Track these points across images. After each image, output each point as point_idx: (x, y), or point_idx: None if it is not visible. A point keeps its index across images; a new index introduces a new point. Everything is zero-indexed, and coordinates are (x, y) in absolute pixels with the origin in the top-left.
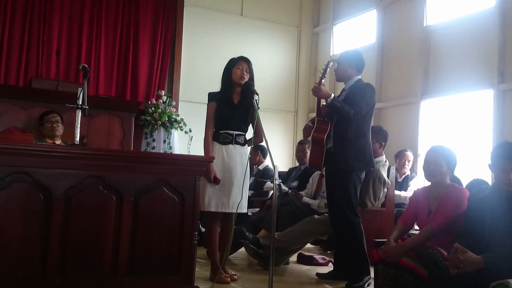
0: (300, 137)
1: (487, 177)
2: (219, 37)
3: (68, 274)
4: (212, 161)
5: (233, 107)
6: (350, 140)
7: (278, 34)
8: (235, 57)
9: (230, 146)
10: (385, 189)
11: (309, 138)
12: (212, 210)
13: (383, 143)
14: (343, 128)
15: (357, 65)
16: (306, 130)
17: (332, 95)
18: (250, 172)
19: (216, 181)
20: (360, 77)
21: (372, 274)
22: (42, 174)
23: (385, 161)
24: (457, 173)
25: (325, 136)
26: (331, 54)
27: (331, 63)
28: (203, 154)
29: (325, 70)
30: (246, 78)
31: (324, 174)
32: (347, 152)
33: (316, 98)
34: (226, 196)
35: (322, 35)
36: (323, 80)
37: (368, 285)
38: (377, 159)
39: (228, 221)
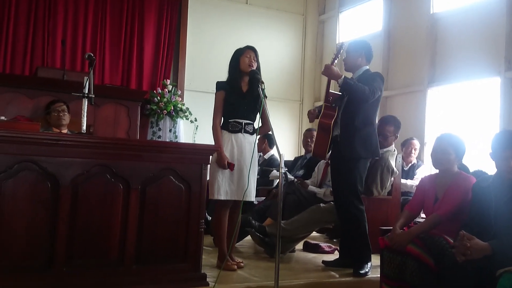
0: (305, 126)
1: (491, 165)
2: (224, 26)
3: (76, 263)
4: (219, 149)
5: (241, 96)
6: (358, 128)
7: (283, 22)
8: (242, 47)
9: (239, 134)
10: (392, 178)
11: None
12: (222, 198)
13: (397, 135)
14: (351, 116)
15: (367, 55)
16: (311, 113)
17: (343, 75)
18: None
19: (230, 166)
20: (368, 67)
21: (378, 261)
22: (49, 162)
23: (394, 150)
24: (464, 161)
25: (332, 122)
26: (337, 42)
27: (345, 45)
28: (213, 143)
29: (338, 51)
30: (254, 66)
31: (329, 162)
32: (354, 140)
33: (325, 84)
34: (235, 184)
35: (328, 23)
36: (335, 61)
37: (370, 271)
38: (386, 148)
39: (235, 209)
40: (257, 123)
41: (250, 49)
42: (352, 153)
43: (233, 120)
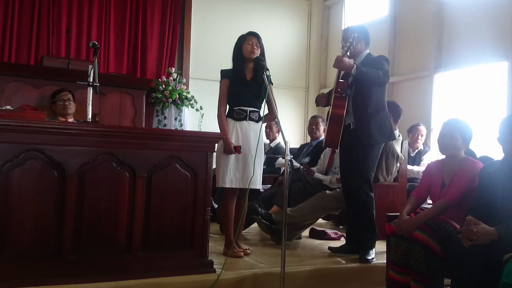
0: (311, 113)
1: (498, 150)
2: (229, 13)
3: (84, 251)
4: (224, 137)
5: (245, 84)
6: (371, 115)
7: (288, 8)
8: (244, 33)
9: (244, 122)
10: (398, 164)
11: (323, 116)
12: (227, 186)
13: (392, 116)
14: (363, 104)
15: (366, 38)
16: (321, 97)
17: (355, 64)
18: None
19: (237, 149)
20: (368, 51)
21: (384, 247)
22: (55, 151)
23: (399, 136)
24: (471, 146)
25: (344, 112)
26: (343, 28)
27: (356, 34)
28: (219, 131)
29: (351, 43)
30: (257, 53)
31: (335, 150)
32: (370, 127)
33: (330, 70)
34: (241, 171)
35: (334, 8)
36: (348, 53)
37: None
38: None
39: (241, 197)
40: (263, 111)
41: (253, 36)
42: (369, 140)
43: (238, 108)
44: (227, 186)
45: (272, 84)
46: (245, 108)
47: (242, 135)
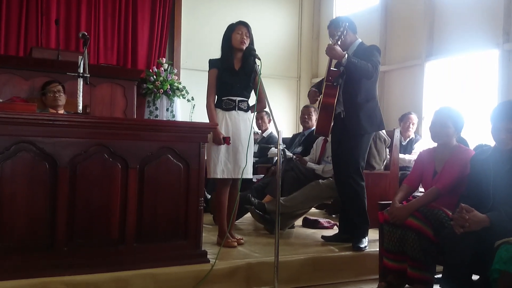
0: (303, 103)
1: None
2: (220, 2)
3: (77, 242)
4: (216, 127)
5: (234, 74)
6: (361, 104)
7: None
8: (234, 22)
9: (233, 112)
10: (387, 149)
11: (315, 105)
12: (218, 176)
13: None
14: (353, 93)
15: (352, 28)
16: (312, 96)
17: (346, 54)
18: (254, 138)
19: (226, 140)
20: (360, 40)
21: (376, 235)
22: (46, 143)
23: None
24: (463, 133)
25: (335, 101)
26: (334, 18)
27: (347, 24)
28: (208, 121)
29: (342, 32)
30: (246, 43)
31: (327, 139)
32: (359, 117)
33: (322, 59)
34: (232, 162)
35: None
36: (339, 41)
37: (368, 245)
38: None
39: (234, 187)
40: (252, 100)
41: (242, 25)
42: (358, 129)
43: (227, 98)
44: (218, 176)
45: (261, 73)
46: (234, 98)
47: (232, 125)
